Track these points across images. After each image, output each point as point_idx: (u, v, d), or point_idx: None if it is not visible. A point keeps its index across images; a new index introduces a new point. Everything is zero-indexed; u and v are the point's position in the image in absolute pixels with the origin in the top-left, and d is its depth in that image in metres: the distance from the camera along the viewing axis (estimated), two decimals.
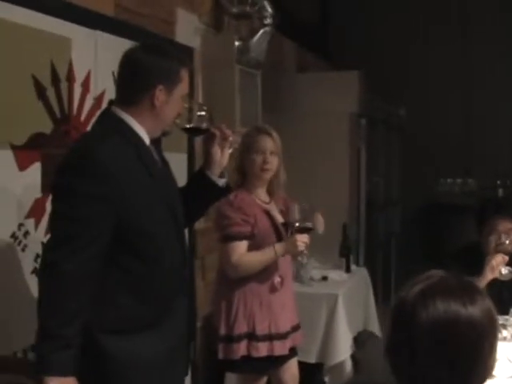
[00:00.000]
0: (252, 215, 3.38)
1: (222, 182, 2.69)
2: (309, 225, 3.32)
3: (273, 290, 3.45)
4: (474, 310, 1.45)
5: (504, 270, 3.61)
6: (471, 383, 1.45)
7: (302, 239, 3.33)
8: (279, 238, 3.44)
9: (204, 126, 2.57)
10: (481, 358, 1.44)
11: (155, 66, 2.35)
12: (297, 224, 3.35)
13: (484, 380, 1.48)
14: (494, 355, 1.48)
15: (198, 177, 2.71)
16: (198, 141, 4.59)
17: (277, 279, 3.45)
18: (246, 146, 3.45)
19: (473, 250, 3.88)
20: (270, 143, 3.46)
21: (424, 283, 1.51)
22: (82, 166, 2.21)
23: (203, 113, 2.57)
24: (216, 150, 2.64)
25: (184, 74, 2.41)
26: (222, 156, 2.65)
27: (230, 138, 2.64)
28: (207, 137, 2.65)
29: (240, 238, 3.36)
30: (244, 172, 3.52)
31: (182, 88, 2.41)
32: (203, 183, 2.67)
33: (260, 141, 3.45)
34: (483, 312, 1.46)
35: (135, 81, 2.36)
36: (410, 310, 1.47)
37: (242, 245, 3.36)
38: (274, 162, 3.47)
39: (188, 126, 2.54)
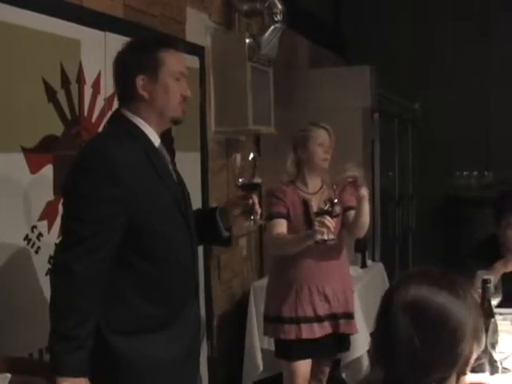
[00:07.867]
0: (288, 199, 3.58)
1: (225, 233, 2.64)
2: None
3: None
4: (448, 301, 1.49)
5: None
6: (432, 368, 1.48)
7: (321, 221, 3.27)
8: (310, 226, 3.50)
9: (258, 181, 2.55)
10: (445, 346, 1.47)
11: (130, 58, 2.37)
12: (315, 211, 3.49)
13: (449, 367, 1.50)
14: (464, 345, 1.49)
15: (209, 213, 2.67)
16: (211, 140, 4.62)
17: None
18: (305, 139, 3.64)
19: (490, 242, 3.87)
20: (328, 137, 3.67)
21: (405, 274, 1.59)
22: (92, 167, 2.22)
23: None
24: (236, 214, 2.58)
25: (164, 56, 2.36)
26: (238, 222, 2.61)
27: (258, 220, 2.56)
28: (235, 199, 2.62)
29: (277, 216, 3.57)
30: (300, 165, 3.68)
31: (170, 69, 2.36)
32: (209, 221, 2.62)
33: (320, 134, 3.66)
34: (464, 305, 1.49)
35: (120, 79, 2.40)
36: (386, 299, 1.54)
37: (280, 223, 3.57)
38: (330, 154, 3.69)
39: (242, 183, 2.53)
